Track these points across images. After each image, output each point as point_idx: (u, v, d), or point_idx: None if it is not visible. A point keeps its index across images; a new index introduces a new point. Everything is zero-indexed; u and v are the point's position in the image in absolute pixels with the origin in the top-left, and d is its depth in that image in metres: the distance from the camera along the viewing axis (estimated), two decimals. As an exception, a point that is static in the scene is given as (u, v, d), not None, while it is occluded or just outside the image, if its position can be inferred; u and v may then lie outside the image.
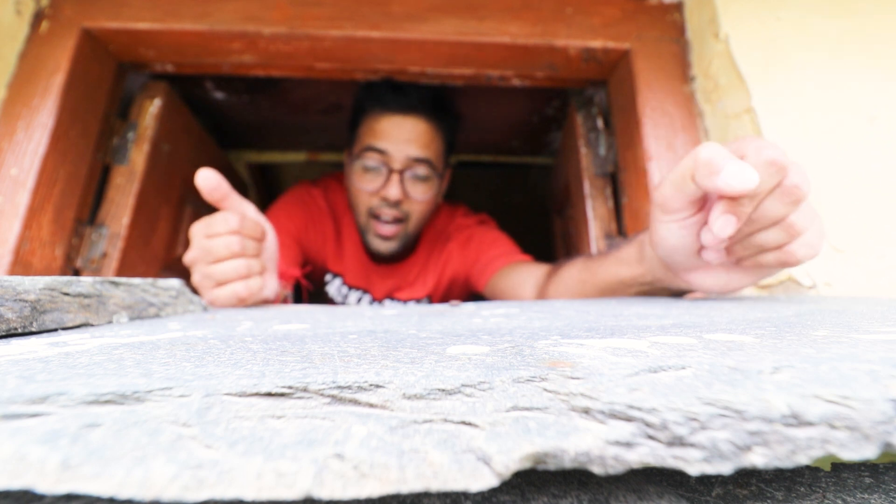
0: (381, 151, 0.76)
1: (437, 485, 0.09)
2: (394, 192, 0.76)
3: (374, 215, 0.80)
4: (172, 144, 0.79)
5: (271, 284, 0.50)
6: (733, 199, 0.30)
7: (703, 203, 0.35)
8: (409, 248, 0.90)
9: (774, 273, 0.36)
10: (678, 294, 0.45)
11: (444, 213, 0.96)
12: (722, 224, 0.31)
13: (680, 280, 0.40)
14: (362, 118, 0.81)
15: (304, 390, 0.11)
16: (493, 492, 0.13)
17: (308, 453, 0.09)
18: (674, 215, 0.35)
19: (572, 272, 0.55)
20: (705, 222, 0.34)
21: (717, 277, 0.37)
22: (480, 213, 1.00)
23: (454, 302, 0.42)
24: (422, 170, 0.79)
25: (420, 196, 0.80)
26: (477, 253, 0.89)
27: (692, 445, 0.09)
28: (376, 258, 0.89)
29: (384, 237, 0.81)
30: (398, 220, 0.80)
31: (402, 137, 0.77)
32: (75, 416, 0.10)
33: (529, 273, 0.74)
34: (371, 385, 0.11)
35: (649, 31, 0.66)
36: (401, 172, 0.77)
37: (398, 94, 0.77)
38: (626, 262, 0.45)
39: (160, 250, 0.78)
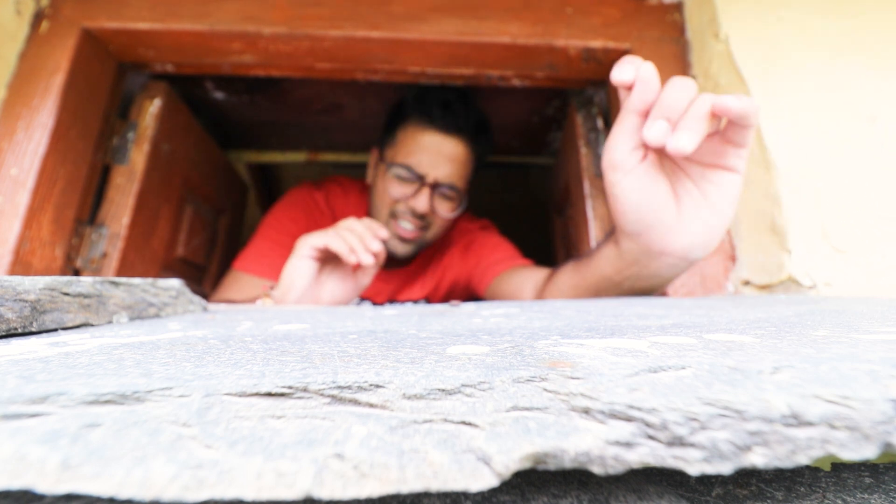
0: (419, 175, 0.77)
1: (437, 485, 0.09)
2: (422, 204, 0.77)
3: (394, 216, 0.80)
4: (172, 144, 0.79)
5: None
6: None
7: (646, 153, 0.39)
8: (413, 254, 0.91)
9: (737, 160, 0.38)
10: (669, 283, 0.45)
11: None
12: (657, 128, 0.36)
13: (661, 254, 0.41)
14: (404, 123, 0.81)
15: (304, 390, 0.11)
16: (493, 492, 0.13)
17: (308, 453, 0.09)
18: (625, 167, 0.39)
19: (564, 277, 0.56)
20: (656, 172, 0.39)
21: (693, 225, 0.39)
22: (482, 218, 1.00)
23: (454, 302, 0.42)
24: (451, 191, 0.80)
25: (445, 213, 0.81)
26: (478, 257, 0.89)
27: (692, 445, 0.09)
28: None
29: (403, 239, 0.81)
30: (419, 228, 0.81)
31: (440, 159, 0.77)
32: (75, 416, 0.10)
33: (529, 277, 0.74)
34: (371, 385, 0.11)
35: (649, 31, 0.66)
36: (432, 188, 0.77)
37: (447, 111, 0.77)
38: (607, 259, 0.46)
39: (160, 250, 0.78)
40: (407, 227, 0.79)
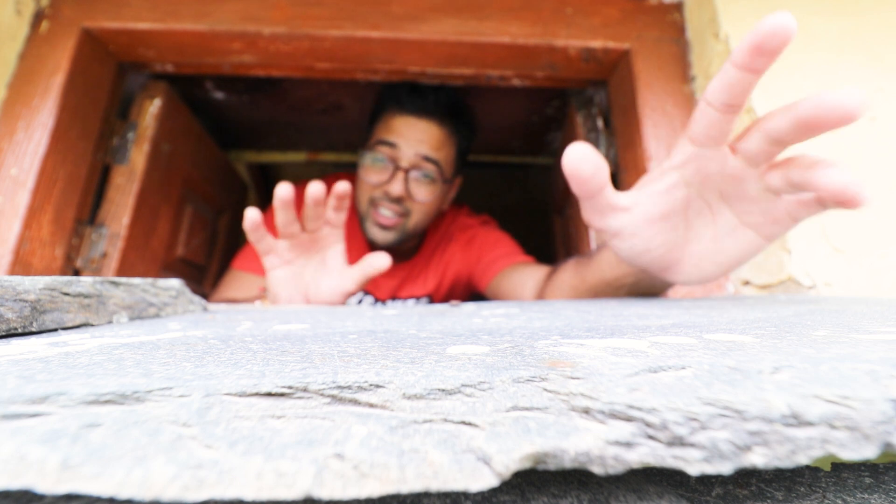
0: (390, 144, 0.77)
1: (437, 485, 0.09)
2: (396, 188, 0.77)
3: (374, 204, 0.80)
4: (172, 144, 0.79)
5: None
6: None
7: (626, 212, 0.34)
8: (412, 249, 0.90)
9: (778, 229, 0.33)
10: (669, 289, 0.45)
11: (447, 215, 0.96)
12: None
13: (661, 278, 0.40)
14: (379, 117, 0.82)
15: (304, 390, 0.11)
16: (493, 492, 0.13)
17: (308, 453, 0.09)
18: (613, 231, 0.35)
19: (564, 276, 0.56)
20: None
21: (698, 267, 0.36)
22: (482, 214, 1.00)
23: (454, 302, 0.42)
24: (428, 170, 0.79)
25: (422, 197, 0.80)
26: (479, 253, 0.90)
27: (692, 445, 0.09)
28: None
29: (382, 226, 0.81)
30: (398, 215, 0.80)
31: (413, 136, 0.78)
32: (75, 415, 0.10)
33: (530, 274, 0.74)
34: (371, 385, 0.11)
35: (649, 31, 0.66)
36: (406, 171, 0.77)
37: (416, 96, 0.78)
38: (608, 264, 0.45)
39: (160, 250, 0.78)
40: (386, 213, 0.79)
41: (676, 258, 0.37)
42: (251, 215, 0.50)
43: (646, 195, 0.34)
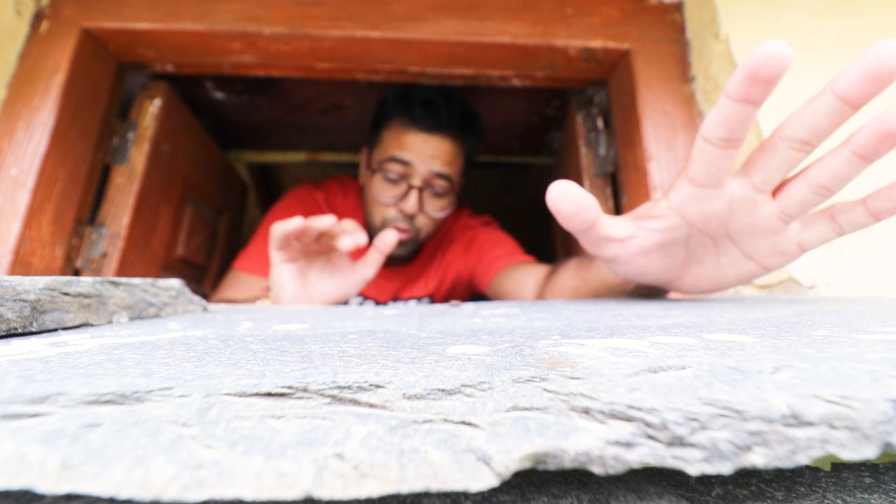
0: (404, 163, 0.76)
1: (437, 485, 0.09)
2: (410, 205, 0.77)
3: (388, 222, 0.80)
4: (172, 144, 0.79)
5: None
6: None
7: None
8: (413, 252, 0.90)
9: (781, 259, 0.33)
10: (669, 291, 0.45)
11: (449, 216, 0.96)
12: None
13: (659, 288, 0.40)
14: (388, 123, 0.80)
15: (304, 390, 0.11)
16: (493, 492, 0.13)
17: (308, 453, 0.09)
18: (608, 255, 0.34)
19: (565, 277, 0.56)
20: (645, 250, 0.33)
21: (694, 284, 0.36)
22: (484, 214, 1.00)
23: (454, 302, 0.42)
24: (441, 185, 0.79)
25: (435, 212, 0.81)
26: (480, 253, 0.90)
27: (692, 445, 0.09)
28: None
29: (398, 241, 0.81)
30: (411, 229, 0.81)
31: (426, 153, 0.77)
32: (75, 416, 0.10)
33: (531, 274, 0.74)
34: (371, 385, 0.11)
35: (649, 31, 0.67)
36: (420, 189, 0.77)
37: (428, 111, 0.77)
38: (609, 269, 0.45)
39: (160, 250, 0.78)
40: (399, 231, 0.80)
41: (675, 276, 0.36)
42: (294, 225, 0.50)
43: (644, 230, 0.33)
